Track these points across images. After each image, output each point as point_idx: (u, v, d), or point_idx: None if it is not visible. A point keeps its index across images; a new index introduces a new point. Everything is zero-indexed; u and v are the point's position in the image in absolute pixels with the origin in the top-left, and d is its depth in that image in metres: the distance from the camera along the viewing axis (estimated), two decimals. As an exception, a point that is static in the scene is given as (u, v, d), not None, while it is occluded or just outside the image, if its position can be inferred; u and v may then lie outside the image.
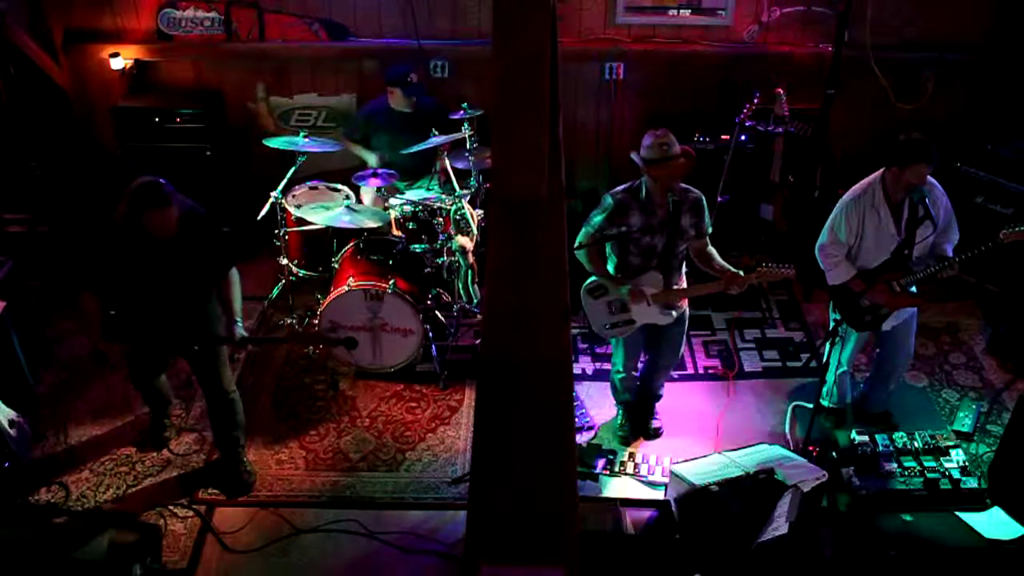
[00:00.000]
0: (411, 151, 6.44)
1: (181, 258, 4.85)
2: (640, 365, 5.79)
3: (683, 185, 5.15)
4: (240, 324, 5.10)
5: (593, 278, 5.33)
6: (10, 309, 5.69)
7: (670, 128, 5.08)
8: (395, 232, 6.37)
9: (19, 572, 4.57)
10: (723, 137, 6.91)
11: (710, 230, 5.26)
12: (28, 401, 5.88)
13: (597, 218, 5.17)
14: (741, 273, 5.05)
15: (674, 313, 5.33)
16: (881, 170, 5.09)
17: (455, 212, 6.23)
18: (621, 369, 5.69)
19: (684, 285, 5.38)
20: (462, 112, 6.30)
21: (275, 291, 6.82)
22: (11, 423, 5.30)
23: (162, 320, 5.05)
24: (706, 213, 5.20)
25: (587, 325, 6.60)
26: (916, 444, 5.46)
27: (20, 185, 7.03)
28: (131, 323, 5.06)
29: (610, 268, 5.33)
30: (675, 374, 6.34)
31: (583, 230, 5.24)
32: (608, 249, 5.30)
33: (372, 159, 6.76)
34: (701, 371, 6.47)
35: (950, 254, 5.09)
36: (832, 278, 5.30)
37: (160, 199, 4.61)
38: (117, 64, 7.11)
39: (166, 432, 5.85)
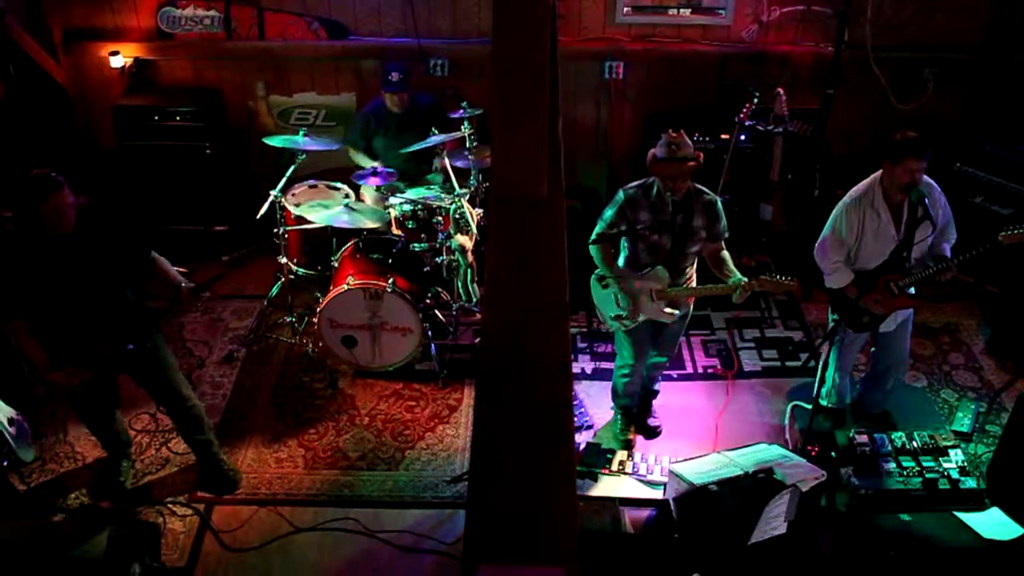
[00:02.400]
0: (410, 150, 6.44)
1: (86, 254, 4.71)
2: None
3: (698, 187, 5.15)
4: (181, 280, 5.00)
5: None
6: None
7: (668, 127, 5.08)
8: (395, 231, 6.37)
9: (18, 570, 4.57)
10: (723, 136, 6.92)
11: (726, 234, 5.25)
12: (27, 399, 5.87)
13: (608, 212, 5.20)
14: (746, 280, 5.05)
15: (678, 312, 5.33)
16: (879, 171, 5.09)
17: (455, 211, 6.24)
18: (628, 371, 5.67)
19: (693, 285, 5.39)
20: (461, 111, 6.30)
21: (274, 290, 6.82)
22: (10, 421, 5.29)
23: (88, 327, 4.82)
24: (722, 217, 5.19)
25: (589, 321, 6.65)
26: (915, 444, 5.46)
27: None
28: (66, 344, 4.81)
29: (620, 262, 5.33)
30: (674, 373, 6.35)
31: (598, 224, 5.25)
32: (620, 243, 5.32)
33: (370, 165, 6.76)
34: (700, 370, 6.48)
35: (948, 255, 5.09)
36: (830, 282, 5.30)
37: (50, 184, 4.49)
38: (117, 62, 7.11)
39: (121, 477, 5.56)
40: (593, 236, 5.25)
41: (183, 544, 5.19)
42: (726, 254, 5.24)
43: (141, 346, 4.95)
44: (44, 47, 6.97)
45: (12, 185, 4.49)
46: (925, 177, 5.02)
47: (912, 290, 5.23)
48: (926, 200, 4.97)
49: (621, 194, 5.17)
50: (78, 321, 4.82)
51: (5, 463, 5.29)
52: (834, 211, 5.24)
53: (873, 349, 5.73)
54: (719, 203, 5.18)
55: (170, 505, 5.42)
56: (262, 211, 6.35)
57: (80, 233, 4.67)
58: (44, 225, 4.55)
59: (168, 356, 5.24)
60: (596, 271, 5.37)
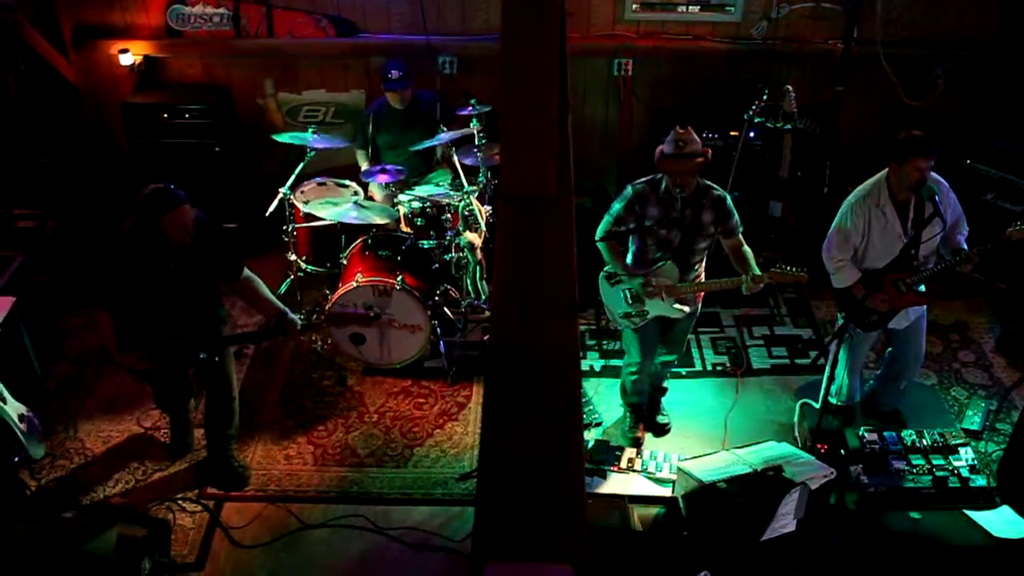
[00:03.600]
0: (417, 148, 6.45)
1: (195, 263, 4.90)
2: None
3: (707, 182, 5.14)
4: (290, 313, 5.19)
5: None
6: (20, 304, 5.71)
7: (677, 124, 5.07)
8: (403, 228, 6.37)
9: (30, 566, 4.59)
10: (732, 133, 6.90)
11: (741, 228, 5.23)
12: (38, 396, 5.90)
13: (617, 206, 5.19)
14: (758, 273, 5.04)
15: (687, 308, 5.32)
16: (885, 170, 5.07)
17: (463, 208, 6.24)
18: (636, 368, 5.67)
19: (702, 280, 5.38)
20: (470, 108, 6.30)
21: (283, 287, 6.83)
22: (21, 417, 5.31)
23: (175, 328, 4.97)
24: (733, 212, 5.17)
25: (597, 318, 6.65)
26: (925, 442, 5.44)
27: (30, 180, 7.06)
28: (144, 335, 4.94)
29: (629, 258, 5.33)
30: (683, 371, 6.35)
31: (604, 219, 5.24)
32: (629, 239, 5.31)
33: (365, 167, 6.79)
34: (709, 368, 6.47)
35: (965, 247, 5.06)
36: (836, 281, 5.29)
37: (176, 200, 4.67)
38: (126, 60, 7.13)
39: (188, 437, 5.81)
40: (601, 232, 5.24)
41: (193, 540, 5.20)
42: (747, 249, 5.21)
43: (211, 356, 5.09)
44: (54, 45, 6.99)
45: (139, 195, 4.69)
46: (933, 174, 5.00)
47: (922, 287, 5.21)
48: (936, 197, 4.95)
49: (629, 189, 5.17)
50: (161, 320, 4.94)
51: (16, 459, 5.32)
52: (840, 210, 5.23)
53: (889, 349, 5.72)
54: (729, 199, 5.17)
55: (180, 501, 5.43)
56: (271, 208, 6.36)
57: (194, 244, 4.83)
58: (165, 235, 4.70)
59: (231, 367, 5.41)
60: (605, 268, 5.37)
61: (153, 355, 4.94)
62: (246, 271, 5.21)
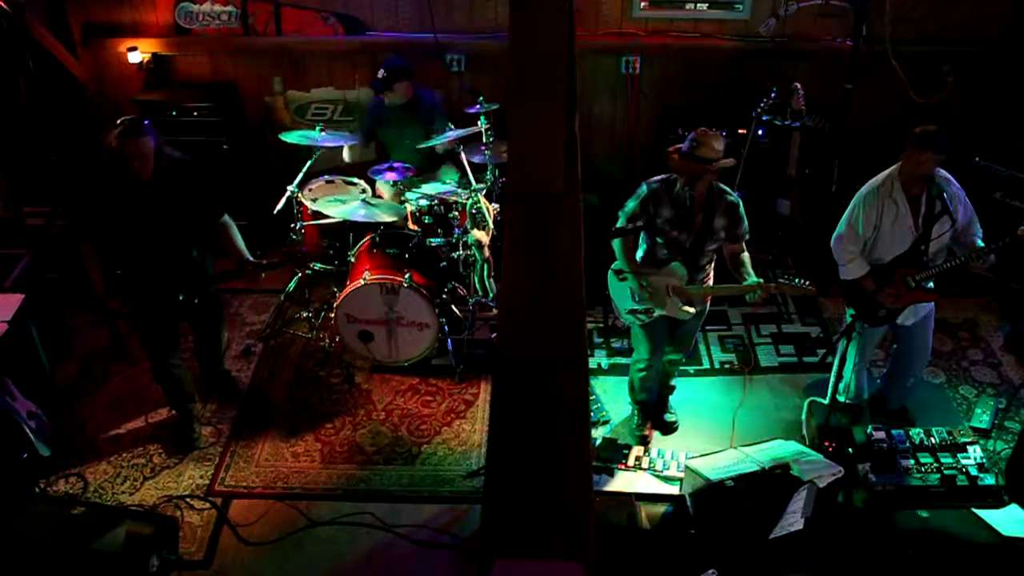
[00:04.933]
0: (425, 145, 6.46)
1: (164, 202, 5.06)
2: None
3: (721, 186, 5.14)
4: (249, 256, 5.41)
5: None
6: (29, 302, 5.73)
7: (685, 122, 5.07)
8: (411, 226, 6.38)
9: (38, 563, 4.61)
10: (740, 131, 6.89)
11: (747, 236, 5.23)
12: (47, 393, 5.92)
13: (630, 204, 5.19)
14: (761, 281, 5.03)
15: (693, 310, 5.32)
16: (898, 163, 5.06)
17: (471, 206, 6.24)
18: (644, 366, 5.66)
19: (711, 283, 5.37)
20: (478, 106, 6.30)
21: (291, 284, 6.84)
22: (30, 415, 5.34)
23: (155, 267, 5.19)
24: (744, 219, 5.17)
25: (605, 316, 6.64)
26: (933, 440, 5.44)
27: (39, 179, 7.07)
28: (127, 271, 5.25)
29: (639, 256, 5.33)
30: (691, 369, 6.34)
31: (619, 217, 5.24)
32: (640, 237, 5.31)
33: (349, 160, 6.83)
34: (717, 366, 6.46)
35: (981, 244, 5.05)
36: (845, 273, 5.28)
37: (136, 128, 4.88)
38: (135, 58, 7.15)
39: (193, 432, 5.85)
40: (615, 229, 5.24)
41: (200, 537, 5.22)
42: (746, 256, 5.22)
43: (190, 299, 5.32)
44: (63, 43, 7.00)
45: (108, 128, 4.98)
46: (944, 172, 4.99)
47: (931, 284, 5.20)
48: (944, 195, 4.94)
49: (644, 187, 5.16)
50: (139, 260, 5.19)
51: (25, 456, 5.33)
52: (852, 201, 5.22)
53: (895, 346, 5.70)
54: (741, 205, 5.16)
55: (187, 499, 5.44)
56: (279, 206, 6.37)
57: (163, 182, 5.04)
58: (128, 163, 4.93)
59: (221, 311, 5.85)
60: (613, 264, 5.37)
61: (136, 300, 5.28)
62: (226, 217, 5.42)
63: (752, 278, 5.08)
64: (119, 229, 5.06)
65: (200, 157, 6.97)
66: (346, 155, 6.97)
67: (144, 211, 5.03)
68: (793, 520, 4.85)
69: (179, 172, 5.15)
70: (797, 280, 5.04)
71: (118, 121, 4.94)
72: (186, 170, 5.20)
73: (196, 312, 5.60)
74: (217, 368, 6.11)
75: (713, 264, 5.35)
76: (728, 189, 5.17)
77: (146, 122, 4.97)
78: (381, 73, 6.56)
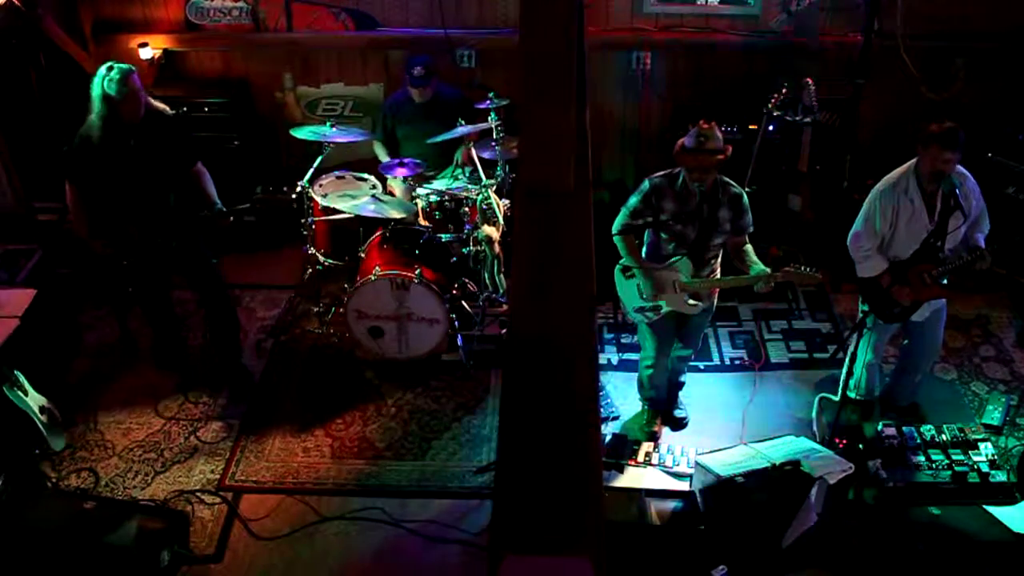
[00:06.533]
0: (435, 141, 6.46)
1: (146, 146, 5.38)
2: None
3: (724, 179, 5.13)
4: (220, 205, 5.66)
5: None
6: (40, 297, 5.75)
7: (696, 118, 5.07)
8: (422, 222, 6.38)
9: (50, 557, 4.63)
10: (751, 127, 6.87)
11: (751, 228, 5.23)
12: (58, 388, 5.94)
13: (633, 200, 5.19)
14: (768, 271, 5.02)
15: (701, 304, 5.31)
16: (915, 159, 5.05)
17: (481, 202, 6.24)
18: (651, 363, 5.66)
19: (717, 276, 5.37)
20: (489, 101, 6.30)
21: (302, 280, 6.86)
22: (42, 410, 5.36)
23: (135, 209, 5.49)
24: (748, 211, 5.17)
25: (615, 312, 6.64)
26: (944, 437, 5.42)
27: (50, 174, 7.09)
28: (109, 220, 5.51)
29: (644, 252, 5.32)
30: (701, 365, 6.33)
31: (621, 212, 5.24)
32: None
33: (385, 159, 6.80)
34: (727, 362, 6.45)
35: (982, 244, 5.04)
36: (862, 270, 5.26)
37: (128, 71, 5.20)
38: (146, 54, 7.15)
39: (180, 351, 6.30)
40: (618, 226, 5.24)
41: (211, 532, 5.23)
42: (749, 247, 5.21)
43: (167, 243, 5.60)
44: (75, 39, 7.02)
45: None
46: (960, 167, 4.97)
47: (945, 281, 5.18)
48: (957, 191, 4.93)
49: (647, 183, 5.16)
50: (120, 204, 5.48)
51: (37, 451, 5.36)
52: (868, 198, 5.20)
53: (905, 341, 5.69)
54: (745, 197, 5.16)
55: (198, 493, 5.46)
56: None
57: (143, 126, 5.35)
58: (119, 110, 5.23)
59: (209, 256, 5.93)
60: (620, 262, 5.36)
61: (116, 241, 5.50)
62: (200, 164, 5.75)
63: (758, 267, 5.07)
64: (104, 170, 5.34)
65: (211, 153, 7.07)
66: (380, 154, 6.94)
67: (128, 154, 5.33)
68: (806, 519, 4.83)
69: (159, 119, 5.48)
70: (803, 268, 5.03)
71: (105, 67, 5.23)
72: (164, 119, 5.54)
73: (193, 276, 5.92)
74: (235, 360, 6.24)
75: (719, 259, 5.34)
76: (732, 182, 5.16)
77: (132, 67, 5.27)
78: (418, 71, 6.56)
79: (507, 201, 6.48)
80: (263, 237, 7.37)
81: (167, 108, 5.60)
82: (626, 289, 5.40)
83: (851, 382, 5.51)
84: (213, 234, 5.83)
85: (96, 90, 5.22)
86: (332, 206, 6.25)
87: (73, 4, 7.04)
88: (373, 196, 6.18)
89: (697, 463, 5.20)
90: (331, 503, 5.41)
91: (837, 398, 5.52)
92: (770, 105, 6.44)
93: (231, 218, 5.66)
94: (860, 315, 5.40)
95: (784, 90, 6.42)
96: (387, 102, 7.00)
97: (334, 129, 6.34)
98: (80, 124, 5.34)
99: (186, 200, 5.74)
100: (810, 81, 6.52)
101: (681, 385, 5.99)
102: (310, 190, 6.31)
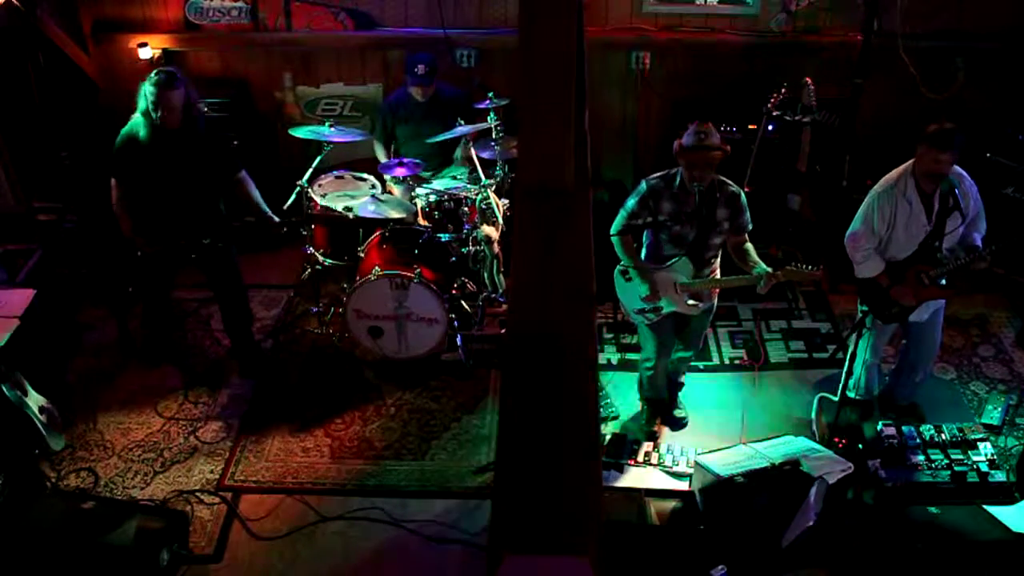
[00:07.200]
0: (435, 140, 6.46)
1: (187, 150, 5.47)
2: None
3: (721, 178, 5.14)
4: (271, 215, 5.87)
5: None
6: (40, 297, 5.75)
7: (695, 117, 5.06)
8: (421, 221, 6.38)
9: (49, 556, 4.63)
10: (750, 127, 6.87)
11: (750, 227, 5.23)
12: (58, 388, 5.94)
13: (631, 201, 5.19)
14: (770, 271, 5.02)
15: (702, 304, 5.31)
16: (913, 160, 5.05)
17: (481, 201, 6.24)
18: (651, 364, 5.66)
19: (717, 276, 5.37)
20: (488, 101, 6.30)
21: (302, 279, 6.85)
22: (41, 410, 5.35)
23: (174, 212, 5.64)
24: (746, 209, 5.17)
25: (615, 312, 6.63)
26: (944, 437, 5.42)
27: (50, 174, 7.09)
28: (147, 214, 5.67)
29: (642, 253, 5.32)
30: (700, 364, 6.33)
31: (619, 214, 5.24)
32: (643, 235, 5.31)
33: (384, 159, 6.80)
34: (727, 362, 6.45)
35: (979, 244, 5.04)
36: (861, 271, 5.26)
37: (170, 82, 5.28)
38: (145, 54, 7.16)
39: (164, 345, 6.39)
40: (616, 227, 5.24)
41: (211, 532, 5.23)
42: (749, 246, 5.21)
43: (197, 243, 5.73)
44: (74, 38, 7.03)
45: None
46: (957, 168, 4.97)
47: (943, 281, 5.18)
48: (956, 191, 4.93)
49: (644, 184, 5.16)
50: (165, 204, 5.63)
51: (36, 451, 5.35)
52: (866, 199, 5.20)
53: (904, 341, 5.69)
54: (743, 195, 5.16)
55: (198, 493, 5.46)
56: (289, 201, 6.38)
57: (185, 131, 5.44)
58: (159, 115, 5.31)
59: (234, 259, 6.02)
60: (619, 265, 5.36)
61: (156, 239, 5.66)
62: (244, 172, 5.84)
63: (760, 266, 5.07)
64: (147, 169, 5.46)
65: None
66: (379, 153, 6.94)
67: (169, 156, 5.43)
68: (805, 519, 4.83)
69: (204, 125, 5.59)
70: (803, 265, 5.03)
71: (155, 71, 5.34)
72: (209, 125, 5.68)
73: (207, 263, 5.90)
74: (247, 339, 6.32)
75: (719, 258, 5.34)
76: (729, 181, 5.16)
77: (179, 75, 5.36)
78: (421, 68, 6.56)
79: (506, 201, 6.48)
80: (263, 237, 7.35)
81: (211, 114, 5.79)
82: (626, 291, 5.40)
83: (850, 382, 5.51)
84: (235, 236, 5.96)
85: (141, 91, 5.35)
86: (332, 207, 6.25)
87: (73, 4, 7.05)
88: (373, 196, 6.18)
89: (697, 463, 5.20)
90: (331, 503, 5.41)
91: (836, 398, 5.52)
92: (769, 105, 6.45)
93: (284, 228, 5.93)
94: (859, 315, 5.40)
95: (783, 90, 6.42)
96: (386, 101, 6.99)
97: (333, 129, 6.34)
98: (81, 125, 5.36)
99: (235, 208, 5.92)
100: (809, 81, 6.53)
101: (681, 385, 5.99)
102: (309, 190, 6.31)
